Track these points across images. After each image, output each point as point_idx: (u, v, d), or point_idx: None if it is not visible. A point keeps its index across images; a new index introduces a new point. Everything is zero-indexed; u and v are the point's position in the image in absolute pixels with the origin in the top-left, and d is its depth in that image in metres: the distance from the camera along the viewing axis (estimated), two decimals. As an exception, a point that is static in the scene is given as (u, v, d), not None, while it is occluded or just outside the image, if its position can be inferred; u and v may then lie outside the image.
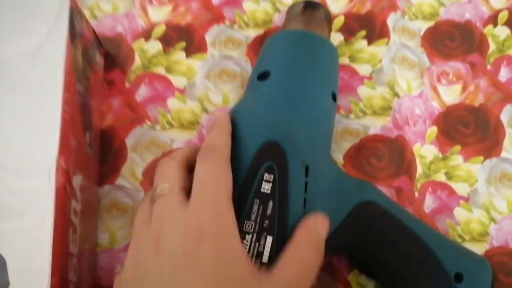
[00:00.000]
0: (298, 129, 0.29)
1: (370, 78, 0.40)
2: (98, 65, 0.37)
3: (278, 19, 0.41)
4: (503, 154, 0.38)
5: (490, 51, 0.41)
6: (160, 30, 0.40)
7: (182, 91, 0.38)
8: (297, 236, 0.26)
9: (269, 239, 0.27)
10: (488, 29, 0.42)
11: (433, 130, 0.39)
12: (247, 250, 0.26)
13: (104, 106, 0.38)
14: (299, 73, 0.31)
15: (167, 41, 0.40)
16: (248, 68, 0.39)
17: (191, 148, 0.30)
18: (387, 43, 0.40)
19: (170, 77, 0.39)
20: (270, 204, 0.27)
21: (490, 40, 0.41)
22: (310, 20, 0.35)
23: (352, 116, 0.38)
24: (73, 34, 0.31)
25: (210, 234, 0.24)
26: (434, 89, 0.40)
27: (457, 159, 0.38)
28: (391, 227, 0.30)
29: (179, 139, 0.37)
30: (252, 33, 0.41)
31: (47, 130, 0.28)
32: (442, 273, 0.30)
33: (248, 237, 0.27)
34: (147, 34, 0.40)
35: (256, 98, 0.31)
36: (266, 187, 0.27)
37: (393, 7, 0.42)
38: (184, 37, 0.40)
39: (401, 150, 0.38)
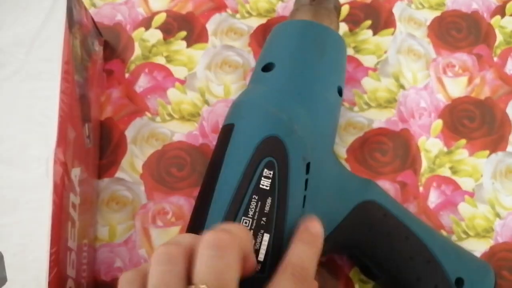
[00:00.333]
0: (301, 124, 0.28)
1: (375, 69, 0.39)
2: (97, 55, 0.36)
3: (281, 8, 0.40)
4: (509, 148, 0.38)
5: (497, 42, 0.40)
6: (160, 18, 0.39)
7: (182, 82, 0.38)
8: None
9: (266, 237, 0.26)
10: (496, 20, 0.41)
11: (438, 124, 0.38)
12: None
13: (104, 97, 0.37)
14: (304, 66, 0.30)
15: (168, 30, 0.39)
16: (251, 58, 0.38)
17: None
18: (393, 33, 0.40)
19: (171, 67, 0.38)
20: (269, 201, 0.26)
21: (497, 32, 0.41)
22: (319, 10, 0.34)
23: (356, 108, 0.38)
24: (71, 22, 0.30)
25: None
26: (440, 81, 0.39)
27: (462, 153, 0.37)
28: (393, 228, 0.30)
29: (180, 131, 0.36)
30: (255, 22, 0.40)
31: (44, 121, 0.27)
32: (442, 277, 0.29)
33: None
34: (147, 23, 0.39)
35: (260, 90, 0.30)
36: (265, 183, 0.26)
37: (400, -4, 0.41)
38: (185, 26, 0.39)
39: (406, 143, 0.37)
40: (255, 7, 0.40)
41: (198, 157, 0.36)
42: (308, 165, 0.28)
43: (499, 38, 0.40)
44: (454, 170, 0.37)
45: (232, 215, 0.26)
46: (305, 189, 0.28)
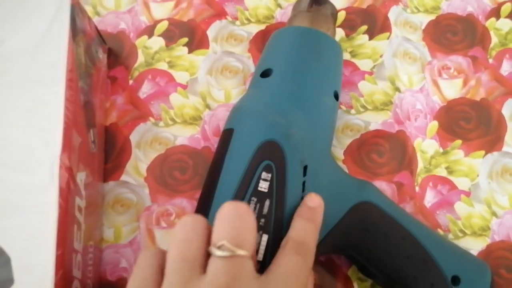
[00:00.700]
0: (299, 128, 0.29)
1: (371, 73, 0.40)
2: (101, 62, 0.37)
3: (280, 15, 0.41)
4: (505, 148, 0.38)
5: (492, 44, 0.41)
6: (162, 26, 0.40)
7: (184, 87, 0.39)
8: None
9: (265, 238, 0.27)
10: (491, 22, 0.42)
11: (434, 125, 0.39)
12: None
13: (108, 103, 0.38)
14: (301, 71, 0.31)
15: (170, 37, 0.40)
16: (250, 64, 0.39)
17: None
18: (389, 37, 0.40)
19: (173, 72, 0.39)
20: (267, 203, 0.27)
21: (492, 34, 0.41)
22: (316, 16, 0.35)
23: (353, 111, 0.39)
24: (75, 31, 0.31)
25: None
26: (435, 83, 0.40)
27: (458, 154, 0.38)
28: (389, 228, 0.30)
29: (182, 135, 0.37)
30: (254, 29, 0.41)
31: (49, 127, 0.28)
32: (439, 275, 0.30)
33: None
34: (150, 31, 0.40)
35: (258, 95, 0.31)
36: (263, 186, 0.27)
37: (395, 0, 0.42)
38: (186, 33, 0.40)
39: (402, 145, 0.38)
40: (254, 14, 0.41)
41: (200, 160, 0.37)
42: (305, 168, 0.29)
43: (494, 40, 0.41)
44: (450, 170, 0.38)
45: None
46: (303, 191, 0.29)
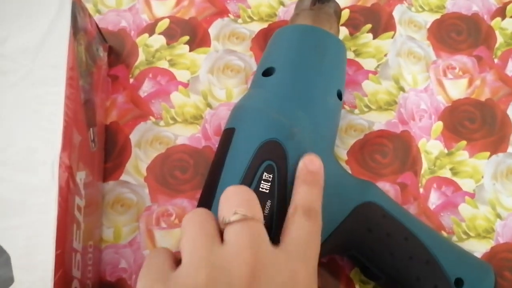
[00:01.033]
0: (301, 128, 0.29)
1: (375, 72, 0.39)
2: (102, 61, 0.37)
3: (282, 13, 0.41)
4: (510, 149, 0.38)
5: (497, 44, 0.41)
6: (164, 24, 0.40)
7: (185, 85, 0.38)
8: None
9: None
10: (496, 22, 0.41)
11: (438, 125, 0.38)
12: None
13: (109, 102, 0.38)
14: (304, 70, 0.31)
15: (171, 35, 0.40)
16: (252, 63, 0.39)
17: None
18: (393, 36, 0.40)
19: (174, 71, 0.39)
20: (268, 203, 0.27)
21: (497, 33, 0.41)
22: (319, 14, 0.34)
23: (356, 111, 0.38)
24: (76, 29, 0.31)
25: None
26: (440, 83, 0.39)
27: (462, 155, 0.38)
28: (392, 229, 0.30)
29: (183, 134, 0.37)
30: (257, 27, 0.40)
31: (50, 126, 0.28)
32: (442, 277, 0.29)
33: None
34: (151, 29, 0.40)
35: (260, 94, 0.31)
36: (264, 187, 0.27)
37: (400, -1, 0.41)
38: (188, 31, 0.40)
39: (406, 145, 0.37)
40: (257, 12, 0.41)
41: (201, 159, 0.36)
42: None
43: (500, 39, 0.41)
44: (454, 172, 0.37)
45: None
46: None
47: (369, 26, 0.40)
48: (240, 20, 0.40)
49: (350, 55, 0.40)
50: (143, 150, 0.37)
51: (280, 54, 0.32)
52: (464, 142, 0.38)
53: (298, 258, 0.24)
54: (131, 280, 0.34)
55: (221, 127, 0.37)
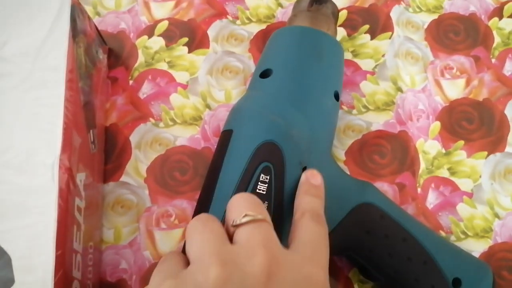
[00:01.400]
0: (298, 129, 0.29)
1: (373, 73, 0.39)
2: (101, 63, 0.37)
3: (281, 14, 0.41)
4: (508, 149, 0.38)
5: (495, 44, 0.41)
6: (162, 26, 0.40)
7: (184, 87, 0.39)
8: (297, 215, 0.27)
9: None
10: (493, 22, 0.41)
11: (436, 125, 0.38)
12: None
13: (108, 104, 0.38)
14: (301, 72, 0.31)
15: (170, 37, 0.40)
16: (251, 64, 0.39)
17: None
18: (391, 37, 0.40)
19: (173, 72, 0.39)
20: (265, 204, 0.27)
21: (495, 33, 0.41)
22: (317, 16, 0.34)
23: (354, 111, 0.38)
24: (75, 32, 0.31)
25: None
26: (438, 83, 0.39)
27: (460, 155, 0.38)
28: (390, 230, 0.30)
29: (182, 135, 0.37)
30: (255, 28, 0.40)
31: (50, 129, 0.28)
32: (440, 277, 0.30)
33: None
34: (150, 31, 0.40)
35: (257, 96, 0.31)
36: (262, 188, 0.27)
37: (397, 0, 0.41)
38: (187, 33, 0.40)
39: (404, 146, 0.37)
40: (255, 13, 0.41)
41: (200, 161, 0.37)
42: (304, 169, 0.29)
43: (497, 39, 0.41)
44: (452, 171, 0.37)
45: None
46: None
47: (366, 27, 0.41)
48: (238, 22, 0.41)
49: (348, 55, 0.40)
50: (143, 151, 0.37)
51: (277, 56, 0.33)
52: (461, 142, 0.38)
53: (312, 260, 0.24)
54: (132, 281, 0.34)
55: (220, 128, 0.37)
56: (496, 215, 0.36)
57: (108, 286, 0.34)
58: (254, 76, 0.33)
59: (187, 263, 0.24)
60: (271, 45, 0.34)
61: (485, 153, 0.38)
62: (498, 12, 0.42)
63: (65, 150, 0.28)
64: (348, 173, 0.37)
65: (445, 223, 0.36)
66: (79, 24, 0.32)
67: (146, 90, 0.38)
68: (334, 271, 0.35)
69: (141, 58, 0.39)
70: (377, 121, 0.38)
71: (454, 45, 0.41)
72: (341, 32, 0.40)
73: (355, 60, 0.40)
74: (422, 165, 0.37)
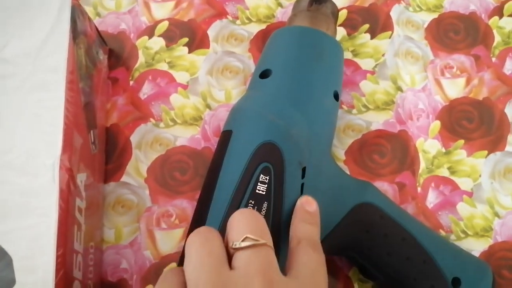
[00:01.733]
0: (298, 129, 0.29)
1: (373, 72, 0.39)
2: (102, 63, 0.37)
3: (281, 14, 0.41)
4: (508, 148, 0.38)
5: (495, 43, 0.41)
6: (163, 27, 0.40)
7: (185, 87, 0.39)
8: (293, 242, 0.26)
9: None
10: (493, 21, 0.41)
11: (436, 125, 0.38)
12: None
13: (109, 104, 0.38)
14: (300, 72, 0.31)
15: (170, 37, 0.40)
16: (251, 64, 0.39)
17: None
18: (391, 36, 0.40)
19: (173, 72, 0.39)
20: (265, 205, 0.27)
21: (495, 32, 0.41)
22: (316, 15, 0.34)
23: (354, 111, 0.38)
24: (75, 33, 0.31)
25: None
26: (438, 82, 0.39)
27: (460, 154, 0.38)
28: (389, 230, 0.30)
29: (183, 136, 0.37)
30: (255, 28, 0.41)
31: (50, 129, 0.28)
32: (439, 277, 0.30)
33: None
34: (150, 31, 0.40)
35: (257, 96, 0.31)
36: (261, 188, 0.27)
37: (397, -1, 0.41)
38: (187, 33, 0.40)
39: (404, 145, 0.37)
40: (255, 13, 0.41)
41: (200, 161, 0.37)
42: (304, 170, 0.29)
43: (497, 38, 0.41)
44: (452, 171, 0.37)
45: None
46: (301, 193, 0.28)
47: (366, 26, 0.41)
48: (238, 22, 0.41)
49: (347, 55, 0.40)
50: (143, 151, 0.37)
51: (277, 56, 0.33)
52: (462, 141, 0.38)
53: None
54: (132, 280, 0.34)
55: (220, 128, 0.38)
56: (496, 214, 0.36)
57: (109, 286, 0.34)
58: (254, 76, 0.33)
59: (184, 284, 0.23)
60: (271, 45, 0.34)
61: (485, 152, 0.38)
62: (498, 11, 0.41)
63: (65, 151, 0.28)
64: (348, 172, 0.37)
65: (445, 222, 0.36)
66: (79, 25, 0.32)
67: (146, 90, 0.39)
68: (334, 271, 0.35)
69: (141, 59, 0.39)
70: (377, 120, 0.38)
71: (454, 44, 0.40)
72: (341, 32, 0.40)
73: (355, 59, 0.40)
74: (422, 165, 0.37)
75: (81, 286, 0.29)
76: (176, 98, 0.38)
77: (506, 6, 0.42)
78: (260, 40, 0.40)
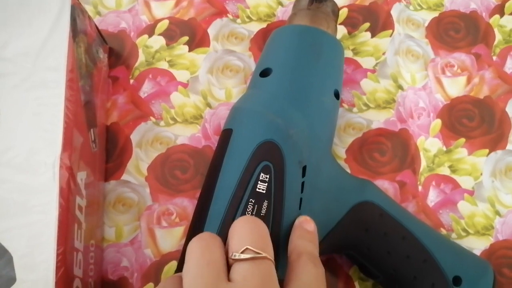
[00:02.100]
0: (298, 128, 0.29)
1: (373, 71, 0.39)
2: (102, 62, 0.37)
3: (281, 13, 0.41)
4: (509, 147, 0.38)
5: (496, 41, 0.41)
6: (163, 25, 0.40)
7: (185, 85, 0.39)
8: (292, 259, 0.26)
9: None
10: (494, 19, 0.41)
11: (437, 123, 0.38)
12: None
13: (109, 103, 0.38)
14: (300, 71, 0.31)
15: (170, 36, 0.40)
16: (251, 63, 0.39)
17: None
18: (391, 35, 0.40)
19: (173, 71, 0.39)
20: (265, 204, 0.27)
21: (496, 31, 0.41)
22: (316, 14, 0.34)
23: (355, 109, 0.38)
24: (75, 32, 0.31)
25: None
26: (439, 81, 0.39)
27: (461, 152, 0.38)
28: (389, 228, 0.30)
29: (183, 134, 0.37)
30: (255, 27, 0.41)
31: (51, 128, 0.28)
32: (440, 275, 0.30)
33: None
34: (150, 30, 0.40)
35: (257, 95, 0.31)
36: (261, 187, 0.27)
37: (398, -2, 0.41)
38: (187, 32, 0.40)
39: (405, 143, 0.37)
40: (255, 12, 0.41)
41: (201, 159, 0.37)
42: (304, 168, 0.29)
43: (498, 37, 0.41)
44: (453, 169, 0.37)
45: (230, 218, 0.27)
46: (301, 191, 0.28)
47: (367, 24, 0.41)
48: (239, 20, 0.41)
49: (348, 53, 0.40)
50: (144, 150, 0.37)
51: (277, 55, 0.33)
52: (462, 140, 0.38)
53: None
54: (133, 279, 0.34)
55: (220, 126, 0.38)
56: (497, 213, 0.36)
57: (110, 284, 0.34)
58: (254, 75, 0.33)
59: None
60: (271, 44, 0.34)
61: (486, 150, 0.38)
62: (499, 10, 0.41)
63: (65, 149, 0.28)
64: (349, 171, 0.37)
65: (446, 220, 0.36)
66: (79, 24, 0.32)
67: (146, 89, 0.39)
68: (334, 269, 0.35)
69: (141, 57, 0.39)
70: (378, 119, 0.38)
71: (455, 42, 0.40)
72: (341, 30, 0.40)
73: (356, 58, 0.40)
74: (423, 163, 0.37)
75: (82, 284, 0.29)
76: (176, 97, 0.38)
77: (507, 4, 0.41)
78: (261, 39, 0.40)
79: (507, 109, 0.39)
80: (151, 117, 0.38)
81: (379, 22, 0.41)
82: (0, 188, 0.26)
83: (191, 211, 0.35)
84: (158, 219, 0.35)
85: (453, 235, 0.36)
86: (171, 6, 0.41)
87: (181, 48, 0.40)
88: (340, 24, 0.41)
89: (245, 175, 0.27)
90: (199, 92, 0.38)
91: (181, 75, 0.39)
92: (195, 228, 0.28)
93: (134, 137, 0.37)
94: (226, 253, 0.24)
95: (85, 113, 0.32)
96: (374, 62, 0.40)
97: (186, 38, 0.40)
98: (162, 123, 0.38)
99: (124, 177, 0.36)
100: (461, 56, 0.40)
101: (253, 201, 0.27)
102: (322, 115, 0.31)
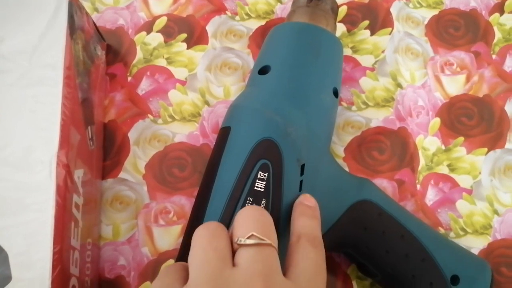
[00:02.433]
0: (296, 127, 0.29)
1: (372, 69, 0.39)
2: (99, 59, 0.37)
3: (280, 10, 0.41)
4: (508, 145, 0.38)
5: (495, 40, 0.40)
6: (161, 22, 0.40)
7: (183, 83, 0.38)
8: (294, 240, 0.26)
9: None
10: (494, 18, 0.41)
11: (436, 122, 0.38)
12: None
13: (107, 100, 0.38)
14: (299, 69, 0.31)
15: (168, 33, 0.40)
16: (250, 60, 0.39)
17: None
18: (390, 33, 0.40)
19: (171, 68, 0.39)
20: (263, 202, 0.27)
21: (495, 29, 0.41)
22: (315, 11, 0.34)
23: (354, 108, 0.38)
24: (73, 28, 0.31)
25: None
26: (438, 79, 0.39)
27: (460, 151, 0.38)
28: (388, 227, 0.30)
29: (181, 132, 0.37)
30: (254, 24, 0.40)
31: (48, 126, 0.28)
32: (438, 274, 0.30)
33: None
34: (148, 27, 0.40)
35: (256, 93, 0.31)
36: (260, 185, 0.27)
37: (397, -4, 0.41)
38: (185, 29, 0.40)
39: (404, 142, 0.37)
40: (254, 9, 0.41)
41: (199, 157, 0.37)
42: (302, 167, 0.29)
43: (498, 35, 0.41)
44: (452, 168, 0.37)
45: (228, 216, 0.27)
46: (300, 190, 0.28)
47: (366, 22, 0.40)
48: (237, 18, 0.40)
49: (347, 51, 0.40)
50: (142, 148, 0.37)
51: (275, 52, 0.32)
52: (461, 139, 0.38)
53: None
54: (130, 277, 0.34)
55: (219, 124, 0.37)
56: (496, 212, 0.36)
57: (107, 283, 0.34)
58: (253, 72, 0.33)
59: (186, 279, 0.23)
60: (270, 41, 0.34)
61: (485, 149, 0.38)
62: (499, 8, 0.41)
63: (62, 147, 0.28)
64: (347, 169, 0.37)
65: (444, 219, 0.36)
66: (76, 21, 0.32)
67: (144, 86, 0.38)
68: (332, 268, 0.35)
69: (139, 55, 0.39)
70: (377, 117, 0.38)
71: (455, 40, 0.40)
72: (340, 28, 0.40)
73: (355, 56, 0.40)
74: (422, 162, 0.37)
75: (78, 283, 0.29)
76: (174, 94, 0.38)
77: (507, 3, 0.41)
78: (259, 36, 0.40)
79: (506, 108, 0.39)
80: (149, 115, 0.38)
81: (379, 20, 0.40)
82: (-3, 186, 0.26)
83: (189, 210, 0.35)
84: (155, 218, 0.35)
85: (452, 234, 0.36)
86: (169, 3, 0.40)
87: (179, 45, 0.39)
88: (339, 21, 0.40)
89: (243, 174, 0.27)
90: (197, 90, 0.38)
91: (179, 73, 0.39)
92: (193, 226, 0.28)
93: (132, 134, 0.37)
94: (231, 238, 0.24)
95: (83, 110, 0.32)
96: (373, 60, 0.39)
97: (184, 35, 0.40)
98: (160, 120, 0.38)
99: (122, 175, 0.36)
100: (461, 54, 0.40)
101: (251, 200, 0.27)
102: (320, 113, 0.31)
